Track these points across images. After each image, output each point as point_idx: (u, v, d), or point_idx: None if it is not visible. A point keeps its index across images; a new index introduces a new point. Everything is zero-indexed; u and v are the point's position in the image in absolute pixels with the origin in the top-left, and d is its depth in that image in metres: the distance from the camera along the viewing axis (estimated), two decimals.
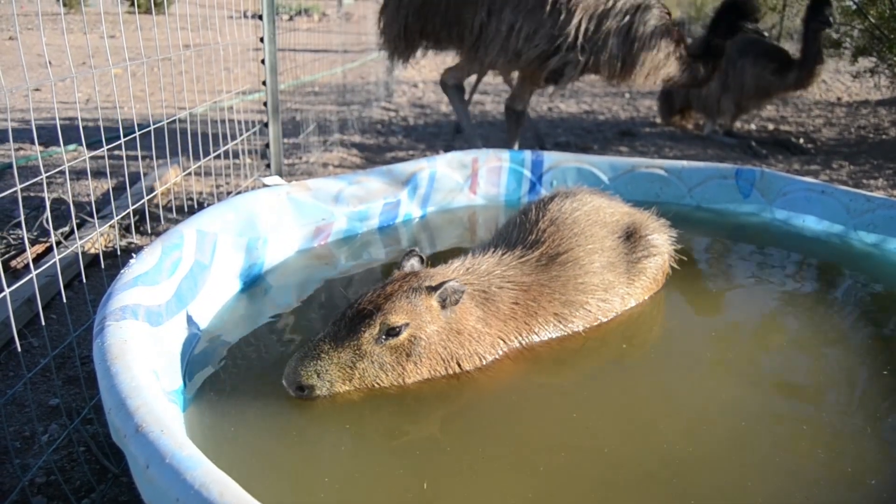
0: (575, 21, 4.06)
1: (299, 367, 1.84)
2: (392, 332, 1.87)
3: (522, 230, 2.41)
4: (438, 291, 1.92)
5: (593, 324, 2.28)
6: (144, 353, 1.70)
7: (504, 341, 2.09)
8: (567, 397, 1.96)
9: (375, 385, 1.89)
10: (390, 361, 1.88)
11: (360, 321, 1.87)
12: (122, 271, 2.01)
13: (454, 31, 4.37)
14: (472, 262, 2.21)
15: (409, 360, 1.90)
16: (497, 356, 2.06)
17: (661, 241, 2.55)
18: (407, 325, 1.88)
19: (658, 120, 7.37)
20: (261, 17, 3.71)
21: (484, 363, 2.02)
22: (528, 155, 3.65)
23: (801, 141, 6.42)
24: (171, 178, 4.16)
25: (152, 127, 2.91)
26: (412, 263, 2.10)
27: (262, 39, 3.74)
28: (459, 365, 1.98)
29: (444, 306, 1.95)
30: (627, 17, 4.13)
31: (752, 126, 7.16)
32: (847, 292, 2.74)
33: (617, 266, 2.40)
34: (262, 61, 3.79)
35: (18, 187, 1.90)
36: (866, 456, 1.72)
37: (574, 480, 1.61)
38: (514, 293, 2.15)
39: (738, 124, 6.93)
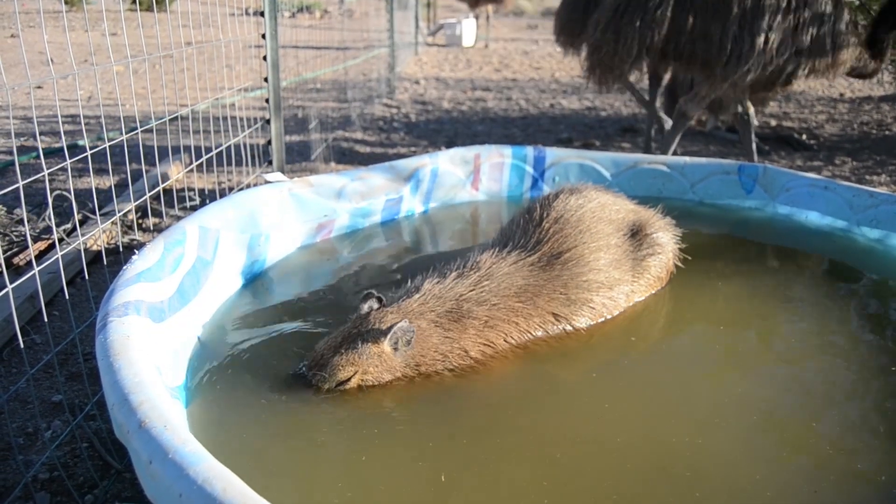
0: (808, 24, 4.08)
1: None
2: (342, 384, 1.90)
3: (526, 229, 2.41)
4: (388, 337, 1.91)
5: (598, 321, 2.28)
6: (147, 349, 1.70)
7: (488, 346, 2.07)
8: (578, 392, 1.97)
9: None
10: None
11: (313, 379, 1.90)
12: (124, 268, 2.01)
13: (699, 46, 4.27)
14: (448, 284, 2.15)
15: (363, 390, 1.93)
16: (474, 363, 2.04)
17: (667, 239, 2.55)
18: (354, 373, 1.90)
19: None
20: (262, 14, 3.71)
21: (456, 371, 2.02)
22: (530, 151, 3.64)
23: (804, 137, 6.41)
24: (173, 175, 4.16)
25: (154, 123, 2.91)
26: (370, 305, 2.07)
27: (263, 36, 3.74)
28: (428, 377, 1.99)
29: (395, 349, 1.94)
30: (835, 13, 4.14)
31: (755, 122, 7.14)
32: (851, 288, 2.73)
33: (622, 263, 2.39)
34: (264, 58, 3.78)
35: (20, 184, 1.90)
36: (877, 453, 1.71)
37: (587, 471, 1.63)
38: (497, 301, 2.12)
39: None
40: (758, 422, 1.82)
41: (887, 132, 6.76)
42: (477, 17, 16.32)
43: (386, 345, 1.92)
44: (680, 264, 2.63)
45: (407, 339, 1.93)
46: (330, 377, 1.88)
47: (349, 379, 1.89)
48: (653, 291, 2.50)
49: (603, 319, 2.30)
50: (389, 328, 1.91)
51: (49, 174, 3.47)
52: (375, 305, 2.08)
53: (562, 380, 2.02)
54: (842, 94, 8.85)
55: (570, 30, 4.97)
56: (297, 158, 5.20)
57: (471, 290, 2.14)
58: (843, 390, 2.00)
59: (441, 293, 2.12)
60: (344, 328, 1.99)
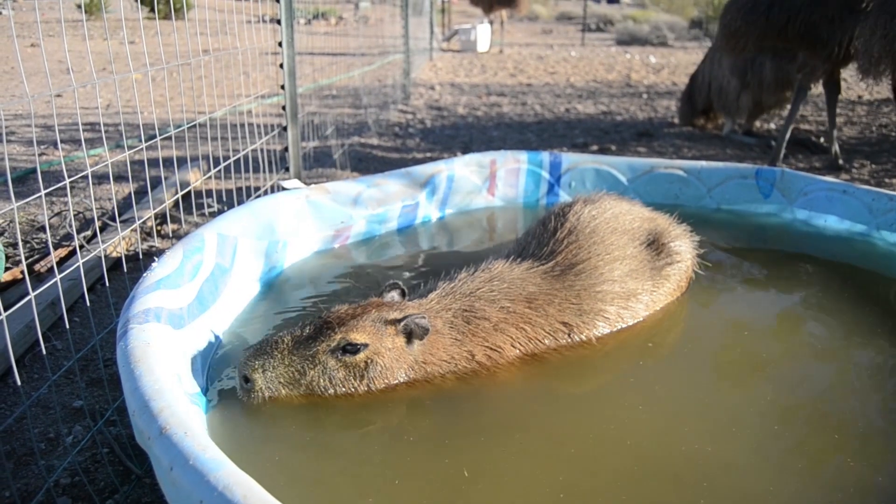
0: None
1: (249, 358, 1.85)
2: (350, 348, 1.87)
3: (541, 239, 2.41)
4: (402, 324, 1.91)
5: (613, 331, 2.26)
6: (167, 356, 1.71)
7: (495, 350, 2.06)
8: (596, 396, 1.97)
9: (324, 395, 1.87)
10: (341, 377, 1.88)
11: (321, 331, 1.89)
12: (144, 275, 2.03)
13: None
14: (460, 283, 2.18)
15: (362, 382, 1.89)
16: (479, 367, 2.03)
17: (685, 247, 2.53)
18: (366, 345, 1.88)
19: (675, 120, 7.32)
20: (279, 22, 3.74)
21: (459, 375, 2.01)
22: (546, 156, 3.64)
23: (822, 140, 6.36)
24: (191, 182, 4.20)
25: (173, 131, 2.94)
26: (392, 295, 2.09)
27: (280, 44, 3.77)
28: (428, 381, 1.98)
29: (409, 341, 1.95)
30: None
31: (772, 125, 7.10)
32: (872, 294, 2.69)
33: (640, 274, 2.38)
34: (281, 66, 3.81)
35: (42, 193, 1.93)
36: None
37: (603, 473, 1.63)
38: (507, 304, 2.12)
39: (757, 124, 6.87)
40: (775, 431, 1.80)
41: None
42: (492, 23, 16.34)
43: (400, 331, 1.92)
44: (700, 272, 2.61)
45: (420, 334, 1.94)
46: (344, 333, 1.86)
47: (359, 349, 1.87)
48: (672, 299, 2.49)
49: (621, 328, 2.28)
50: (406, 316, 1.92)
51: (70, 182, 3.52)
52: (397, 297, 2.10)
53: (578, 384, 2.02)
54: (860, 97, 8.78)
55: (746, 32, 5.07)
56: (314, 164, 5.23)
57: (481, 289, 2.15)
58: (866, 400, 1.97)
59: (455, 291, 2.15)
60: (362, 303, 2.00)
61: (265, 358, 1.85)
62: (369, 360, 1.89)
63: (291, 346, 1.87)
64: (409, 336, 1.94)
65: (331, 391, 1.87)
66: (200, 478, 1.23)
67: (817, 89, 6.75)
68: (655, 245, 2.47)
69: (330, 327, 1.89)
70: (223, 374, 2.02)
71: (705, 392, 1.99)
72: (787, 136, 5.24)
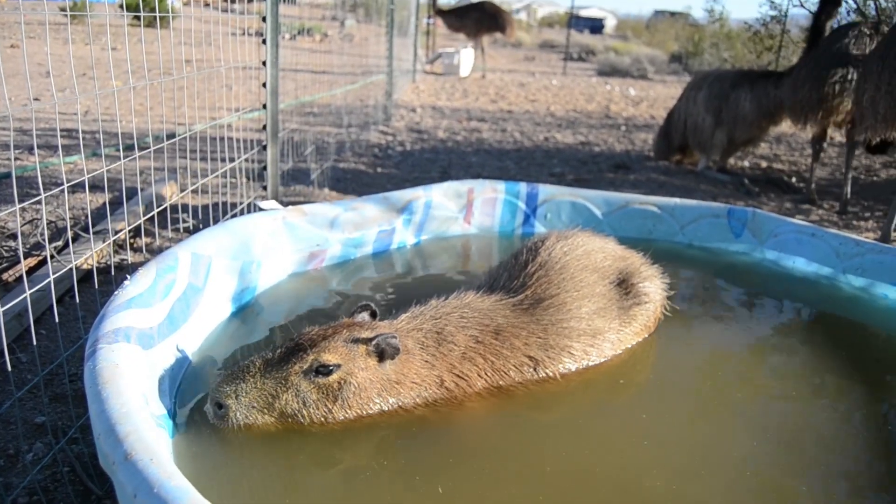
0: None
1: (221, 384, 1.84)
2: (322, 370, 1.87)
3: (512, 273, 2.43)
4: (373, 343, 1.92)
5: (580, 368, 2.28)
6: (135, 378, 1.70)
7: (462, 379, 2.07)
8: (567, 427, 1.99)
9: (298, 421, 1.86)
10: (315, 399, 1.87)
11: (293, 353, 1.89)
12: (115, 293, 2.01)
13: None
14: (431, 307, 2.22)
15: (336, 404, 1.89)
16: (447, 395, 2.04)
17: (654, 288, 2.56)
18: (339, 366, 1.88)
19: (652, 154, 7.43)
20: (264, 41, 3.75)
21: (429, 401, 2.02)
22: (523, 187, 3.67)
23: (794, 180, 6.49)
24: (167, 195, 4.17)
25: (153, 148, 2.92)
26: (363, 316, 2.11)
27: (264, 63, 3.78)
28: (401, 408, 1.98)
29: (381, 359, 1.95)
30: None
31: (746, 163, 7.23)
32: (837, 337, 2.74)
33: (607, 312, 2.40)
34: (264, 84, 3.82)
35: (17, 206, 1.91)
36: None
37: (577, 497, 1.66)
38: (476, 333, 2.14)
39: (731, 161, 6.99)
40: (741, 473, 1.82)
41: (875, 178, 6.86)
42: (475, 49, 16.47)
43: (371, 349, 1.93)
44: (668, 313, 2.64)
45: (391, 354, 1.95)
46: (316, 354, 1.86)
47: (331, 370, 1.87)
48: (640, 339, 2.52)
49: (584, 367, 2.30)
50: (376, 336, 1.93)
51: (43, 190, 3.47)
52: (367, 318, 2.11)
53: (548, 416, 2.04)
54: (831, 138, 8.96)
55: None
56: (292, 183, 5.22)
57: (452, 314, 2.18)
58: (830, 445, 2.00)
59: (426, 314, 2.17)
60: (332, 325, 2.00)
61: (237, 383, 1.84)
62: (343, 381, 1.89)
63: (263, 370, 1.86)
64: (381, 355, 1.95)
65: (305, 415, 1.86)
66: None
67: (792, 130, 6.92)
68: (625, 285, 2.50)
69: (301, 349, 1.89)
70: (191, 395, 2.01)
71: (676, 430, 2.01)
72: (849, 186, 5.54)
